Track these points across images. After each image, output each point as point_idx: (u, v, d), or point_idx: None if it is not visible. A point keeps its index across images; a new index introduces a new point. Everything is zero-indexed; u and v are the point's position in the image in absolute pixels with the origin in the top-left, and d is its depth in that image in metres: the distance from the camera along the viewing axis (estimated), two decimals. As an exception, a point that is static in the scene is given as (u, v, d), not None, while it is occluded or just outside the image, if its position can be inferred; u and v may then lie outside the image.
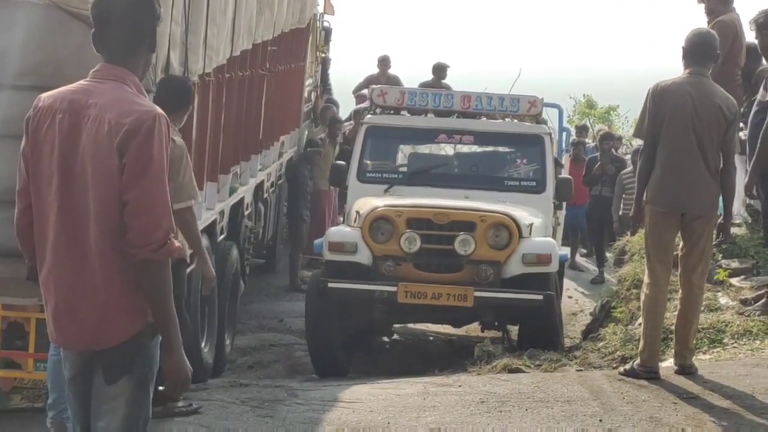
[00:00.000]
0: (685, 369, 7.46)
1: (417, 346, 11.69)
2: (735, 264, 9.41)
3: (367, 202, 9.90)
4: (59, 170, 3.81)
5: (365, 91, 19.21)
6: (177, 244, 3.80)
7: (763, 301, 8.57)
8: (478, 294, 9.02)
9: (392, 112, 11.35)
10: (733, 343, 8.21)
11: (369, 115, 11.47)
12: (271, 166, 13.29)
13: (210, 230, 9.43)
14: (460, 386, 7.68)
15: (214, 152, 9.60)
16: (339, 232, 9.82)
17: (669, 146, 7.30)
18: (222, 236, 10.13)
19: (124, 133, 3.71)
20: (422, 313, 9.79)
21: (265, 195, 13.01)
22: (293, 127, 15.16)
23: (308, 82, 16.45)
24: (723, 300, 8.91)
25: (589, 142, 18.13)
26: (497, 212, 9.45)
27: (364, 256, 9.34)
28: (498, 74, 23.90)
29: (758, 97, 8.44)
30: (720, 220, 7.56)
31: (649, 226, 7.44)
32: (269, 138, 12.95)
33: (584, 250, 17.78)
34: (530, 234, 9.46)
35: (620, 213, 14.64)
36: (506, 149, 11.48)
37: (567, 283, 14.35)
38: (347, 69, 22.97)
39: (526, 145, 11.12)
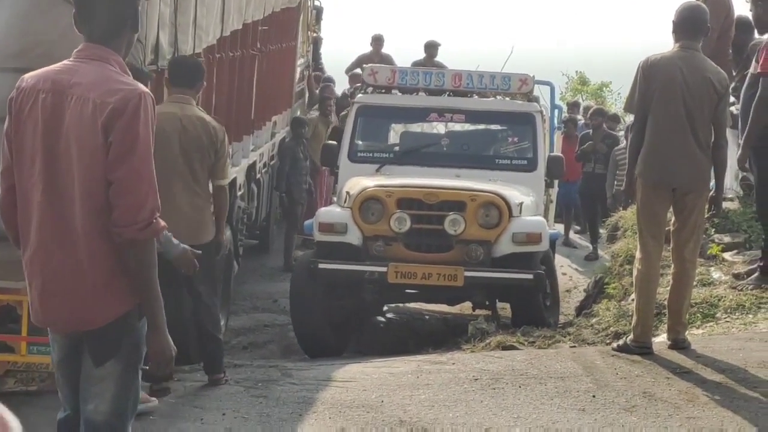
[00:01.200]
0: (678, 344, 7.47)
1: (411, 325, 11.69)
2: (727, 239, 9.43)
3: (358, 182, 9.86)
4: (43, 150, 3.79)
5: (359, 71, 19.25)
6: (162, 223, 3.79)
7: (755, 275, 8.57)
8: (468, 274, 9.00)
9: (383, 91, 11.30)
10: (726, 318, 8.22)
11: (360, 95, 11.42)
12: (264, 147, 13.25)
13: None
14: (453, 364, 7.68)
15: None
16: (329, 212, 9.79)
17: (659, 120, 7.29)
18: (215, 217, 10.08)
19: (109, 112, 3.70)
20: (412, 294, 9.78)
21: (258, 175, 12.98)
22: (285, 107, 15.13)
23: (300, 61, 16.41)
24: (716, 274, 8.92)
25: (581, 119, 18.10)
26: (487, 191, 9.43)
27: (354, 237, 9.31)
28: (491, 51, 23.85)
29: (750, 70, 8.42)
30: (711, 193, 7.54)
31: (641, 201, 7.43)
32: (261, 118, 12.92)
33: (578, 227, 17.79)
34: (521, 213, 9.44)
35: (614, 189, 14.64)
36: (497, 127, 11.45)
37: (561, 260, 14.37)
38: (340, 48, 22.89)
39: (517, 123, 11.06)
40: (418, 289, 9.47)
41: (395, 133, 11.89)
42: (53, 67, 3.89)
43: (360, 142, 11.07)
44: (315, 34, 18.27)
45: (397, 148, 11.38)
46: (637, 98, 7.38)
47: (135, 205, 3.72)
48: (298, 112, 16.18)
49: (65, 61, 3.90)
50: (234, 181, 11.16)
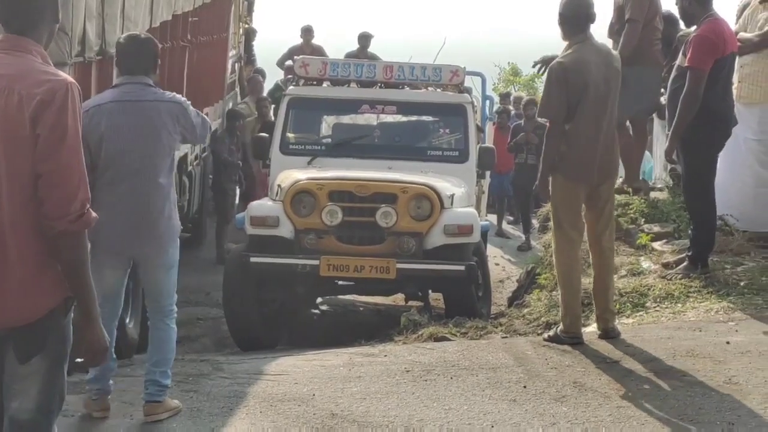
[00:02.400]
0: (609, 332, 7.54)
1: (345, 317, 11.68)
2: (657, 228, 9.51)
3: (289, 175, 9.82)
4: (-32, 144, 3.71)
5: (290, 62, 19.17)
6: (93, 214, 3.74)
7: (684, 264, 8.66)
8: (400, 266, 9.00)
9: (315, 83, 11.25)
10: (655, 307, 8.30)
11: (291, 87, 11.36)
12: (195, 139, 13.15)
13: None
14: (385, 356, 7.68)
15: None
16: (261, 206, 9.71)
17: (586, 121, 7.34)
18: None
19: (36, 104, 3.64)
20: (345, 286, 9.81)
21: (189, 168, 12.89)
22: (217, 99, 15.04)
23: (231, 53, 16.32)
24: (645, 264, 8.99)
25: (513, 109, 18.18)
26: (418, 183, 9.43)
27: (286, 230, 9.28)
28: (424, 41, 23.86)
29: (677, 61, 8.51)
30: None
31: (560, 196, 7.45)
32: (192, 110, 12.82)
33: (511, 218, 17.88)
34: (452, 205, 9.44)
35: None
36: (429, 119, 11.46)
37: (494, 250, 14.45)
38: (271, 38, 22.78)
39: (448, 115, 11.08)
40: (351, 282, 9.47)
41: (327, 125, 11.84)
42: (-26, 60, 3.81)
43: (291, 135, 11.02)
44: (247, 26, 18.18)
45: (329, 141, 11.37)
46: (557, 104, 7.33)
47: (66, 197, 3.67)
48: (230, 104, 16.10)
49: (-16, 54, 3.82)
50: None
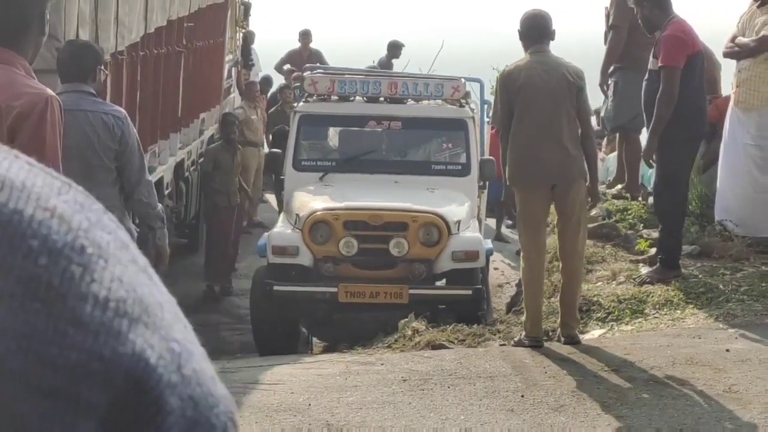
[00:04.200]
0: (571, 339, 7.61)
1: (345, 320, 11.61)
2: (656, 234, 9.43)
3: (305, 203, 10.19)
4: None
5: (287, 66, 19.13)
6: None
7: (656, 267, 8.69)
8: (412, 291, 9.51)
9: (323, 98, 11.48)
10: (654, 314, 8.24)
11: (301, 103, 11.60)
12: (192, 144, 13.12)
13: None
14: (382, 364, 7.61)
15: (130, 132, 9.41)
16: (281, 235, 10.07)
17: (525, 124, 7.51)
18: (140, 217, 9.93)
19: (14, 116, 3.58)
20: (361, 309, 10.11)
21: (186, 173, 12.83)
22: (214, 104, 14.99)
23: (228, 57, 16.27)
24: (644, 270, 8.92)
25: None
26: (427, 212, 9.86)
27: (305, 258, 9.77)
28: (422, 41, 23.79)
29: (649, 66, 8.51)
30: (587, 184, 7.66)
31: (519, 205, 7.68)
32: (189, 116, 12.78)
33: (510, 222, 17.79)
34: (458, 230, 9.86)
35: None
36: (432, 133, 11.75)
37: (494, 255, 14.36)
38: (271, 40, 22.75)
39: (450, 129, 11.40)
40: (367, 308, 9.87)
41: (336, 139, 12.15)
42: (-44, 72, 3.75)
43: (303, 151, 11.37)
44: (244, 30, 18.12)
45: (338, 157, 11.69)
46: (500, 108, 7.65)
47: None
48: (227, 109, 16.06)
49: (-32, 66, 3.76)
50: (161, 180, 11.03)
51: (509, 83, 7.53)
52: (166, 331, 0.78)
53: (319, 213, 9.86)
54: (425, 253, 9.71)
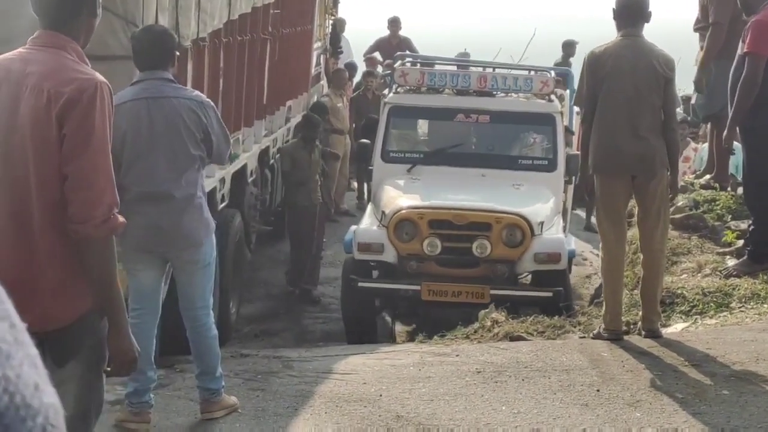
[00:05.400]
0: (652, 333, 7.42)
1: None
2: (744, 225, 9.16)
3: (392, 199, 10.32)
4: (-1, 143, 3.62)
5: (376, 54, 19.05)
6: (121, 219, 3.61)
7: (743, 260, 8.44)
8: (494, 292, 9.56)
9: (413, 90, 11.61)
10: (740, 307, 7.99)
11: (391, 95, 11.69)
12: (278, 132, 13.10)
13: (209, 198, 9.23)
14: (457, 356, 7.49)
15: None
16: (367, 232, 10.23)
17: (608, 110, 7.30)
18: (223, 204, 9.95)
19: (63, 103, 3.51)
20: (443, 307, 10.27)
21: (272, 161, 12.82)
22: (302, 92, 14.95)
23: (316, 45, 16.22)
24: (731, 262, 8.67)
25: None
26: (511, 213, 9.90)
27: (390, 255, 9.94)
28: (514, 31, 23.56)
29: (738, 51, 8.25)
30: (668, 176, 7.43)
31: (599, 193, 7.44)
32: (274, 103, 12.75)
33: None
34: (541, 231, 9.93)
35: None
36: (520, 127, 11.75)
37: (582, 245, 14.19)
38: (358, 29, 22.68)
39: (537, 123, 11.46)
40: (449, 306, 9.99)
41: (424, 131, 12.35)
42: (8, 55, 3.71)
43: (392, 142, 11.50)
44: (334, 17, 18.06)
45: (425, 149, 11.80)
46: (585, 91, 7.40)
47: (91, 201, 3.54)
48: (315, 97, 16.04)
49: (21, 49, 3.72)
50: (245, 167, 11.03)
51: (597, 67, 7.33)
52: None
53: (404, 211, 9.99)
54: (508, 254, 9.79)
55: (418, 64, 12.75)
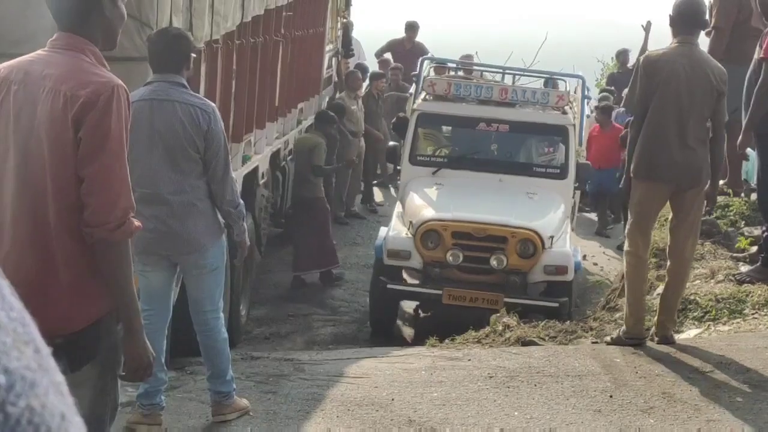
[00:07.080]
0: (666, 339, 7.37)
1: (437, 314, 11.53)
2: (757, 231, 9.14)
3: (419, 209, 11.19)
4: (16, 145, 3.60)
5: (388, 56, 19.03)
6: (136, 223, 3.60)
7: (756, 266, 8.39)
8: (506, 299, 10.25)
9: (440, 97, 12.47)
10: (753, 314, 7.97)
11: (420, 102, 12.52)
12: (290, 134, 13.09)
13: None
14: (469, 360, 7.48)
15: (224, 120, 9.37)
16: (396, 240, 11.05)
17: (658, 117, 7.20)
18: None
19: (80, 106, 3.50)
20: (461, 311, 10.92)
21: (283, 163, 12.81)
22: (313, 94, 14.94)
23: (328, 47, 16.20)
24: (744, 268, 8.64)
25: (616, 105, 17.78)
26: (525, 228, 10.77)
27: (416, 262, 10.84)
28: (527, 33, 23.51)
29: (755, 55, 8.21)
30: (707, 188, 7.36)
31: (637, 197, 7.34)
32: (286, 105, 12.74)
33: (612, 215, 17.48)
34: (551, 245, 10.73)
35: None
36: (536, 136, 12.71)
37: (594, 249, 14.18)
38: (370, 29, 22.66)
39: (552, 134, 12.44)
40: (466, 310, 10.70)
41: (448, 137, 13.26)
42: (26, 57, 3.70)
43: (419, 146, 12.46)
44: (345, 20, 18.03)
45: (450, 153, 12.77)
46: (638, 95, 7.29)
47: (106, 204, 3.52)
48: (327, 99, 16.02)
49: (39, 51, 3.70)
50: (256, 169, 11.02)
51: (653, 73, 7.18)
52: None
53: (429, 223, 10.89)
54: (521, 265, 10.65)
55: (448, 71, 14.24)
